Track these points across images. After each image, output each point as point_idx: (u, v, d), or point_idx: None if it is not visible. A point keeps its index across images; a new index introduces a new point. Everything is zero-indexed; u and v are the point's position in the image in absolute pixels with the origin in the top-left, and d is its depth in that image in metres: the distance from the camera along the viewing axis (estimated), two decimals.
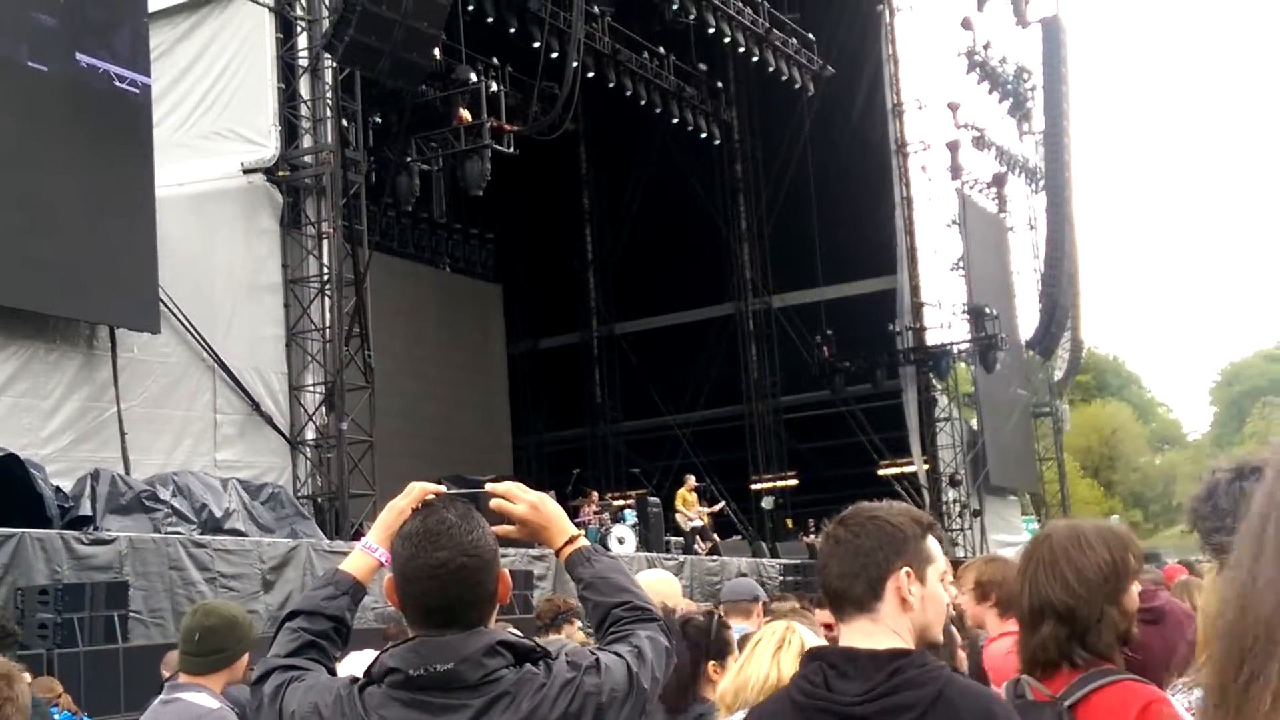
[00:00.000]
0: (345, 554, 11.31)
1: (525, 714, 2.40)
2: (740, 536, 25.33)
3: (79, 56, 14.00)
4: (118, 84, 14.33)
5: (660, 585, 5.39)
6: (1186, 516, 2.96)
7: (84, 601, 11.34)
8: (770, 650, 3.63)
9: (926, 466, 28.76)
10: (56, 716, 8.68)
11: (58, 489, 12.96)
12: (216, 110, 16.14)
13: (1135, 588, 3.05)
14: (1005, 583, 4.91)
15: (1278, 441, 2.89)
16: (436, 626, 2.48)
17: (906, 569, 2.70)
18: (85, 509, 12.94)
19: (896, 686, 2.52)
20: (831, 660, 2.59)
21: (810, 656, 2.66)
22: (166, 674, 8.42)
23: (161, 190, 14.71)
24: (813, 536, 22.53)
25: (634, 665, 2.55)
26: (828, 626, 3.56)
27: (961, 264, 29.64)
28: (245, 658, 4.59)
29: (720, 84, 30.07)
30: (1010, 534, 30.72)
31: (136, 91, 14.58)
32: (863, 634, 2.63)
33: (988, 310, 28.87)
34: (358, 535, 15.99)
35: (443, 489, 2.75)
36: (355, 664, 5.78)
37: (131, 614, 11.97)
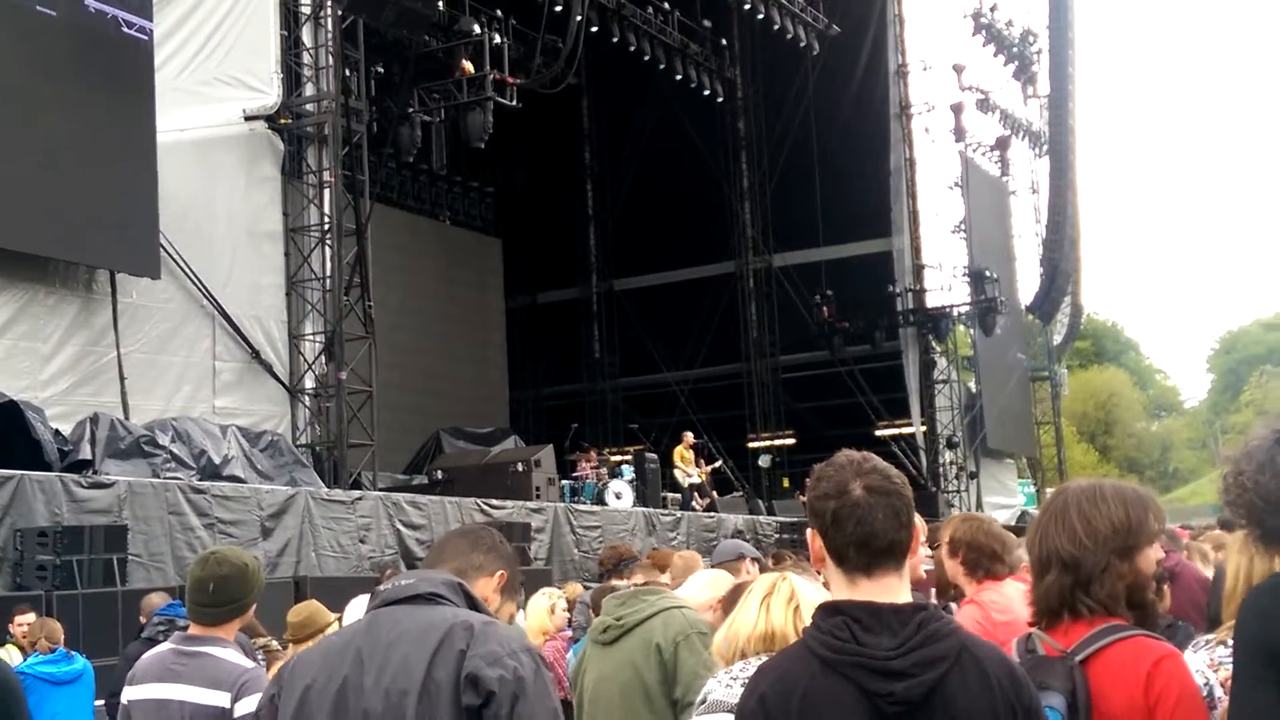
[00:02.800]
0: (344, 503, 11.39)
1: None
2: (739, 493, 25.38)
3: (87, 1, 13.90)
4: (126, 30, 14.24)
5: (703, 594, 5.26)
6: (1229, 484, 2.93)
7: (83, 544, 11.37)
8: (758, 599, 3.62)
9: (924, 428, 28.81)
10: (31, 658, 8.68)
11: (56, 432, 12.97)
12: (219, 56, 16.02)
13: (1154, 552, 3.03)
14: (975, 543, 4.94)
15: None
16: None
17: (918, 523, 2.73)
18: (85, 453, 12.95)
19: (926, 639, 2.51)
20: (855, 615, 2.56)
21: (831, 610, 2.62)
22: (145, 618, 8.41)
23: (162, 136, 14.64)
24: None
25: None
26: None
27: (963, 227, 29.57)
28: (254, 606, 4.55)
29: (724, 41, 29.90)
30: (1005, 496, 30.82)
31: (144, 38, 14.49)
32: (885, 589, 2.61)
33: (988, 273, 28.85)
34: (356, 484, 16.07)
35: None
36: (356, 609, 5.82)
37: (131, 557, 12.00)
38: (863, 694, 2.48)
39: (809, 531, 2.74)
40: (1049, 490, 20.35)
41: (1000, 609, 4.56)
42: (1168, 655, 2.89)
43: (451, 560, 3.53)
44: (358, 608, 5.81)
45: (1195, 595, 4.61)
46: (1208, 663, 3.36)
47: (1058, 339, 36.88)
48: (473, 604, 3.27)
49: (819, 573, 2.97)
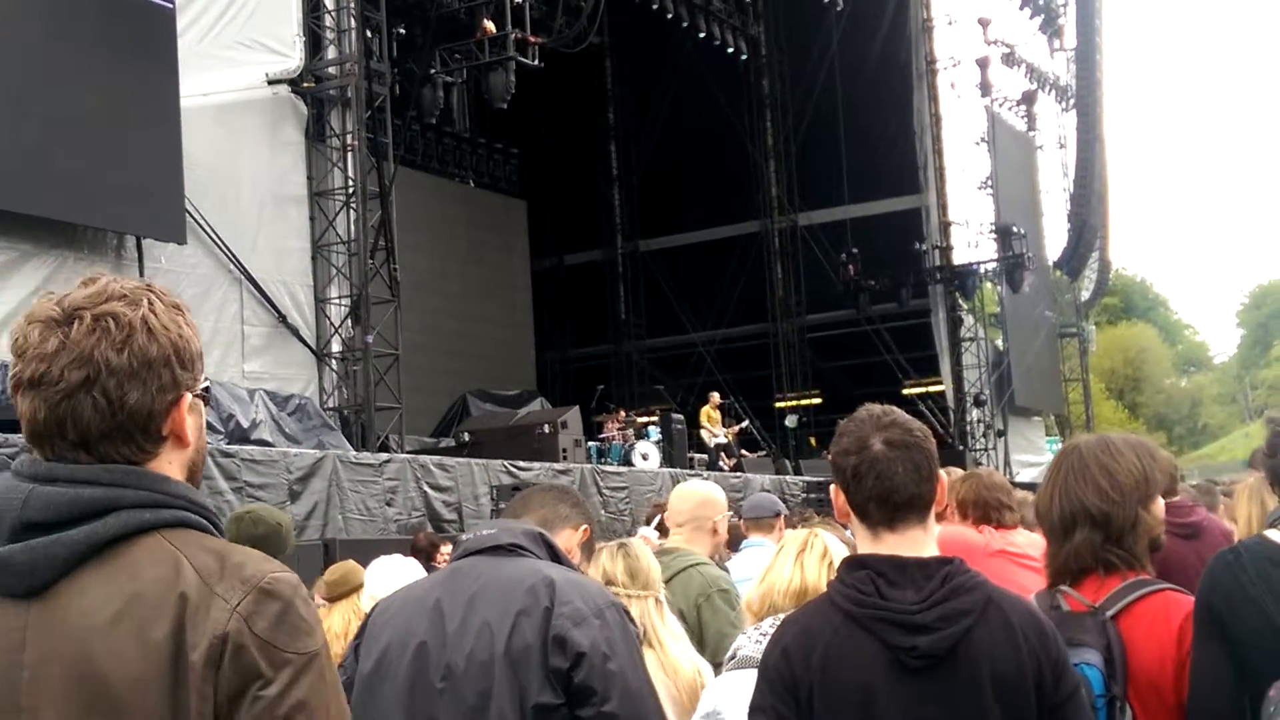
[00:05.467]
0: (372, 465, 11.42)
1: None
2: (764, 453, 25.39)
3: None
4: None
5: (699, 502, 5.24)
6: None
7: None
8: (793, 554, 3.63)
9: (952, 387, 28.73)
10: None
11: None
12: (241, 20, 15.98)
13: (1160, 498, 3.04)
14: (980, 500, 5.10)
15: None
16: None
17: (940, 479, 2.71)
18: None
19: (951, 592, 2.51)
20: (880, 569, 2.56)
21: (855, 564, 2.62)
22: None
23: (186, 101, 14.63)
24: None
25: None
26: None
27: (989, 183, 29.38)
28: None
29: None
30: (1033, 454, 30.73)
31: (170, 6, 14.48)
32: (910, 543, 2.61)
33: (1015, 229, 28.67)
34: (384, 447, 16.13)
35: None
36: (378, 570, 5.84)
37: None
38: (886, 647, 2.49)
39: (833, 487, 2.74)
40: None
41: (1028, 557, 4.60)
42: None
43: (537, 510, 3.51)
44: (380, 569, 5.84)
45: (1222, 548, 4.59)
46: None
47: (1085, 295, 36.68)
48: (554, 555, 3.24)
49: (845, 527, 2.96)
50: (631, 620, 3.18)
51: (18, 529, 1.76)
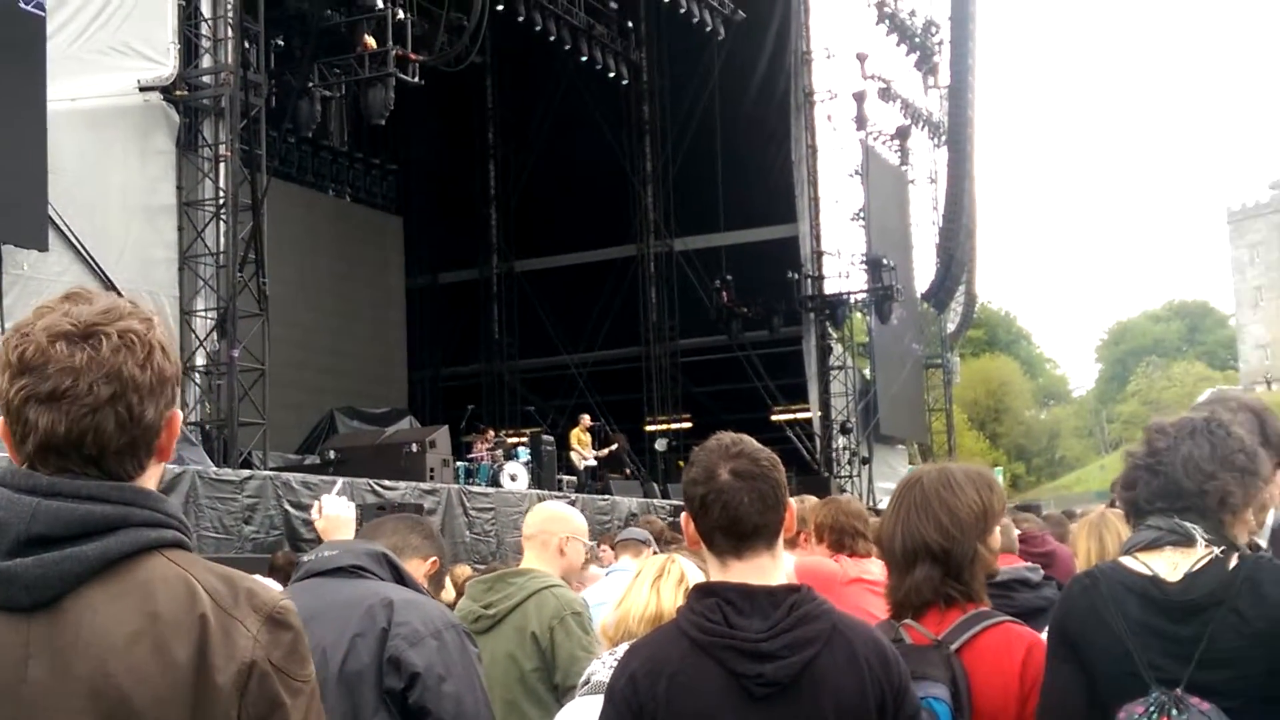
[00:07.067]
0: (232, 482, 11.24)
1: None
2: (628, 474, 25.43)
3: None
4: (22, 5, 13.86)
5: (545, 518, 5.17)
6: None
7: None
8: (649, 580, 3.65)
9: (819, 414, 29.10)
10: None
11: None
12: (114, 25, 15.65)
13: (998, 529, 3.14)
14: (836, 525, 5.26)
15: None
16: None
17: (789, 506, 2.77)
18: None
19: (797, 621, 2.56)
20: (728, 597, 2.60)
21: (703, 592, 2.67)
22: None
23: (53, 105, 14.28)
24: None
25: None
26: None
27: (862, 215, 29.87)
28: None
29: (630, 24, 29.84)
30: (896, 482, 31.13)
31: (42, 14, 14.14)
32: (758, 571, 2.66)
33: (885, 261, 29.17)
34: (246, 464, 15.86)
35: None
36: None
37: None
38: (732, 675, 2.53)
39: (683, 515, 2.78)
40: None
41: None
42: (1035, 643, 2.99)
43: (389, 537, 3.48)
44: None
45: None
46: None
47: (951, 327, 37.41)
48: (398, 576, 3.22)
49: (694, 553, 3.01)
50: (473, 642, 3.18)
51: (23, 542, 1.77)
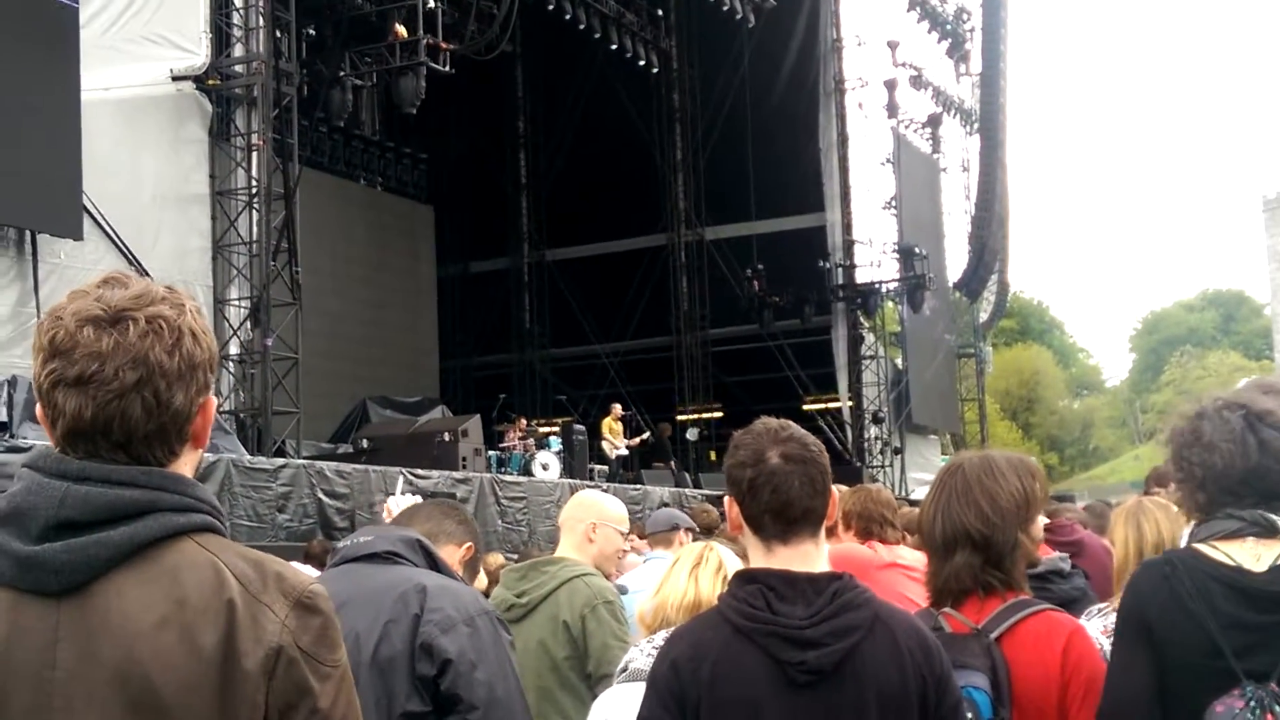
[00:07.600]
0: (266, 470, 11.25)
1: None
2: (662, 465, 25.44)
3: None
4: None
5: (575, 504, 5.19)
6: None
7: None
8: (687, 568, 3.63)
9: (851, 403, 29.02)
10: None
11: None
12: (147, 14, 15.71)
13: (1041, 518, 3.10)
14: (865, 513, 5.22)
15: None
16: None
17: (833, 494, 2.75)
18: (1, 415, 12.72)
19: (840, 608, 2.54)
20: (770, 583, 2.58)
21: (746, 578, 2.64)
22: None
23: (87, 95, 14.35)
24: None
25: None
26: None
27: (894, 203, 29.74)
28: None
29: (660, 11, 29.77)
30: (929, 472, 31.06)
31: (75, 5, 14.21)
32: (802, 557, 2.64)
33: (917, 250, 29.03)
34: (280, 452, 15.92)
35: None
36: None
37: None
38: (774, 662, 2.51)
39: (727, 499, 2.76)
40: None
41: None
42: (1075, 631, 2.95)
43: (423, 524, 3.48)
44: None
45: (1105, 565, 4.72)
46: (1101, 629, 3.48)
47: (984, 316, 37.25)
48: (432, 562, 3.21)
49: (735, 539, 2.98)
50: (506, 629, 3.16)
51: (52, 527, 1.78)
